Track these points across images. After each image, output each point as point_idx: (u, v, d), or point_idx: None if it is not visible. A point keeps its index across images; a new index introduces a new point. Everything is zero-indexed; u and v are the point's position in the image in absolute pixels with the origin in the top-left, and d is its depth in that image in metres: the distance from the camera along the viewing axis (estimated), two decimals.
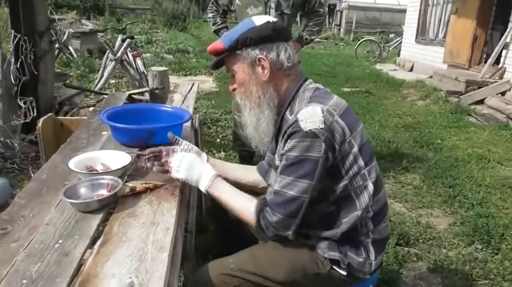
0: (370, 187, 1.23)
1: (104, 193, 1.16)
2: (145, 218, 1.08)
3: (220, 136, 4.34)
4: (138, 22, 14.83)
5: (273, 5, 2.90)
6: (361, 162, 1.21)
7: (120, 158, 1.34)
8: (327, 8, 3.23)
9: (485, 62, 6.77)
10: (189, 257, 1.63)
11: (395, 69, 10.20)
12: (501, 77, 6.40)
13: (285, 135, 1.17)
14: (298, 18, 3.27)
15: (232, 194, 1.26)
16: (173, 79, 6.56)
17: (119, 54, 5.11)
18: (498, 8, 7.16)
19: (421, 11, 9.83)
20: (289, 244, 1.26)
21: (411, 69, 9.90)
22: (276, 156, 1.32)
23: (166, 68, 3.64)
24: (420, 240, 2.56)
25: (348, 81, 8.16)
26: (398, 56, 11.32)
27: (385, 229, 1.34)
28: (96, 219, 1.07)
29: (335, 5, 24.53)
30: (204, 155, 1.48)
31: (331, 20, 26.32)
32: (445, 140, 4.61)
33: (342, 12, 22.85)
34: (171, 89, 3.24)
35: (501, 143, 4.51)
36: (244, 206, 1.23)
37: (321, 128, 1.10)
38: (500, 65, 6.49)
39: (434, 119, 5.50)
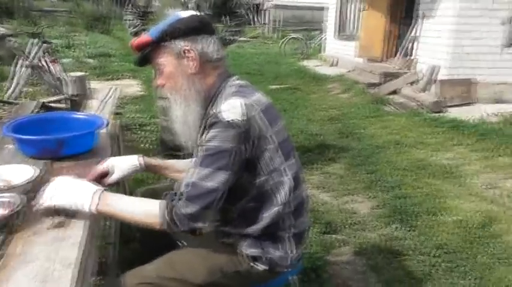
0: (289, 182, 1.26)
1: (0, 212, 1.08)
2: (52, 234, 1.03)
3: (149, 141, 4.24)
4: (56, 25, 13.97)
5: (193, 6, 2.90)
6: (280, 158, 1.23)
7: (24, 172, 1.26)
8: (245, 8, 3.27)
9: (398, 55, 7.27)
10: (109, 270, 1.57)
11: (320, 65, 10.59)
12: (412, 68, 6.91)
13: (205, 126, 1.17)
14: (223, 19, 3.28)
15: (127, 203, 1.20)
16: (96, 85, 6.27)
17: (32, 60, 4.80)
18: (407, 3, 7.71)
19: (339, 9, 10.31)
20: (207, 245, 1.27)
21: (334, 64, 10.35)
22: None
23: (85, 73, 3.48)
24: (345, 226, 2.70)
25: (276, 79, 8.34)
26: (322, 52, 11.77)
27: (305, 223, 1.37)
28: None
29: (261, 4, 24.90)
30: (136, 156, 1.45)
31: (258, 19, 26.66)
32: (366, 129, 4.90)
33: (268, 11, 23.26)
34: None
35: (415, 128, 4.88)
36: (146, 211, 1.17)
37: (241, 120, 1.11)
38: (410, 57, 7.00)
39: (356, 110, 5.81)
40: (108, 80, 7.80)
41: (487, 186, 3.33)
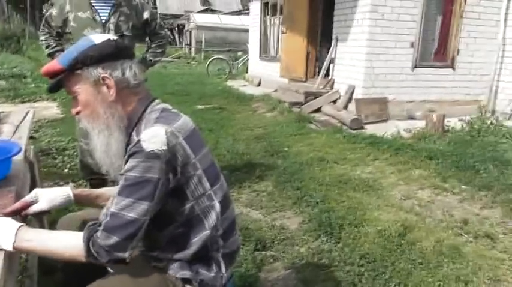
0: (217, 206, 1.27)
1: None
2: None
3: (68, 166, 4.00)
4: None
5: (112, 27, 2.83)
6: (206, 183, 1.24)
7: None
8: (165, 31, 3.27)
9: (319, 75, 7.67)
10: None
11: (245, 85, 10.82)
12: (332, 87, 7.33)
13: (126, 155, 1.14)
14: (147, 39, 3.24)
15: (48, 237, 1.15)
16: (8, 108, 5.81)
17: None
18: (323, 28, 8.21)
19: (261, 31, 10.69)
20: (138, 268, 1.23)
21: (259, 84, 10.64)
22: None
23: None
24: (275, 242, 2.75)
25: (201, 99, 8.35)
26: (247, 72, 12.05)
27: (235, 242, 1.39)
28: None
29: (184, 25, 24.99)
30: (68, 188, 1.38)
31: (181, 40, 26.66)
32: (291, 147, 5.06)
33: (191, 32, 23.38)
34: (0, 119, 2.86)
35: (336, 144, 5.15)
36: (68, 244, 1.13)
37: (163, 149, 1.10)
38: (330, 77, 7.44)
39: (281, 129, 5.99)
40: (23, 102, 7.27)
41: (403, 197, 3.59)
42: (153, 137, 1.11)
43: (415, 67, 6.65)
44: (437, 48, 6.93)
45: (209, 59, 14.20)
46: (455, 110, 6.64)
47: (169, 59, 17.98)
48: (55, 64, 1.17)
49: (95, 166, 2.97)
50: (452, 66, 6.83)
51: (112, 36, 1.25)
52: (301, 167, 4.26)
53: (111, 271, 1.31)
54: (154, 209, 1.13)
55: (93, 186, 3.12)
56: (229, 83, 11.42)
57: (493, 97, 6.92)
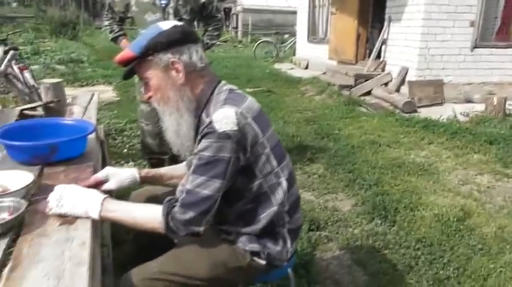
0: (284, 183, 1.31)
1: (5, 216, 1.08)
2: (57, 235, 1.03)
3: (127, 146, 4.20)
4: (21, 31, 13.57)
5: (171, 11, 2.91)
6: (274, 161, 1.28)
7: (19, 177, 1.25)
8: (222, 13, 3.32)
9: (369, 57, 7.48)
10: (107, 271, 1.57)
11: (292, 68, 10.74)
12: (383, 70, 7.12)
13: (199, 136, 1.20)
14: (195, 23, 3.31)
15: (130, 209, 1.23)
16: (69, 91, 6.13)
17: (2, 68, 4.65)
18: (375, 8, 7.95)
19: (310, 13, 10.50)
20: (209, 240, 1.30)
21: (307, 67, 10.52)
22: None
23: (60, 80, 3.42)
24: (329, 223, 2.77)
25: (249, 82, 8.40)
26: (294, 55, 11.94)
27: (299, 219, 1.44)
28: (1, 244, 1.00)
29: (230, 9, 25.01)
30: (135, 169, 1.47)
31: (228, 23, 26.76)
32: (341, 130, 5.01)
33: (237, 15, 23.37)
34: (68, 101, 3.06)
35: (388, 128, 5.03)
36: (148, 216, 1.21)
37: (234, 130, 1.14)
38: (381, 59, 7.22)
39: (330, 112, 5.93)
40: (82, 86, 7.67)
41: (460, 182, 3.47)
42: (224, 118, 1.15)
43: (475, 47, 6.31)
44: (499, 26, 6.51)
45: (256, 42, 14.17)
46: None
47: (217, 43, 18.13)
48: (127, 52, 1.24)
49: (154, 146, 3.12)
50: None
51: (177, 22, 1.30)
52: (352, 150, 4.22)
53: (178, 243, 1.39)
54: (226, 186, 1.19)
55: (152, 165, 3.28)
56: (277, 66, 11.38)
57: None
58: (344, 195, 3.26)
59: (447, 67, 6.29)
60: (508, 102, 5.48)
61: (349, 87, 7.10)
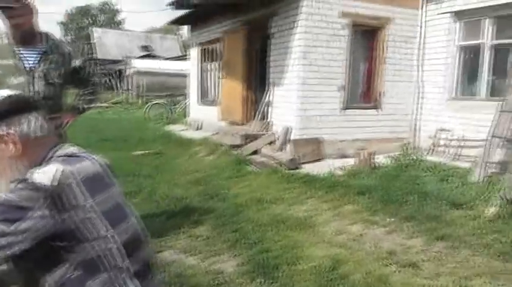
0: (115, 249, 1.24)
1: None
2: None
3: None
4: None
5: (40, 74, 2.79)
6: (105, 227, 1.21)
7: None
8: (97, 79, 3.29)
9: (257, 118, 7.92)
10: None
11: (185, 129, 10.85)
12: (269, 129, 7.57)
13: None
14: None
15: None
16: None
17: None
18: (260, 73, 8.57)
19: (200, 76, 10.92)
20: None
21: (199, 128, 10.71)
22: None
23: None
24: None
25: (140, 144, 8.25)
26: (187, 116, 12.12)
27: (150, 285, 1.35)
28: None
29: (123, 70, 24.85)
30: None
31: (121, 85, 26.40)
32: (230, 189, 5.11)
33: (131, 77, 23.26)
34: None
35: (273, 185, 5.27)
36: None
37: (48, 185, 1.08)
38: (267, 120, 7.69)
39: (220, 171, 6.04)
40: None
41: (335, 232, 3.73)
42: (44, 171, 1.11)
43: (345, 108, 7.09)
44: (363, 91, 7.48)
45: (148, 104, 14.15)
46: (382, 147, 7.09)
47: (107, 105, 17.67)
48: None
49: None
50: (377, 107, 7.37)
51: (9, 92, 1.25)
52: (239, 209, 4.31)
53: None
54: (19, 242, 1.08)
55: None
56: (169, 127, 11.40)
57: (415, 134, 7.51)
58: (229, 256, 3.27)
59: (323, 126, 6.92)
60: (375, 156, 6.17)
61: (239, 147, 7.36)
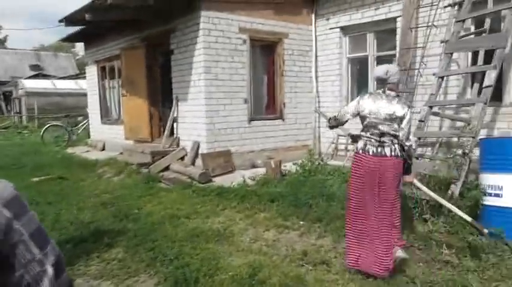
0: (50, 270, 1.22)
1: None
2: None
3: None
4: None
5: None
6: (34, 248, 1.19)
7: None
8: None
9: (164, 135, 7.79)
10: None
11: (88, 151, 10.24)
12: (178, 145, 7.50)
13: None
14: None
15: None
16: None
17: None
18: (164, 89, 8.47)
19: (101, 94, 10.44)
20: None
21: (103, 149, 10.19)
22: None
23: None
24: None
25: (36, 170, 7.61)
26: (89, 137, 11.46)
27: None
28: None
29: (11, 92, 22.72)
30: None
31: (9, 108, 24.14)
32: (142, 208, 4.96)
33: (20, 99, 21.31)
34: None
35: (186, 200, 5.24)
36: None
37: None
38: (175, 136, 7.62)
39: (130, 191, 5.83)
40: None
41: (251, 240, 3.83)
42: None
43: (251, 120, 7.33)
44: (267, 102, 7.81)
45: (44, 126, 13.08)
46: (289, 155, 7.47)
47: None
48: None
49: None
50: (281, 117, 7.75)
51: None
52: (153, 227, 4.21)
53: None
54: None
55: None
56: (70, 150, 10.67)
57: (317, 141, 8.04)
58: (146, 276, 3.18)
59: (232, 138, 7.07)
60: (283, 164, 6.47)
61: (147, 164, 7.17)
